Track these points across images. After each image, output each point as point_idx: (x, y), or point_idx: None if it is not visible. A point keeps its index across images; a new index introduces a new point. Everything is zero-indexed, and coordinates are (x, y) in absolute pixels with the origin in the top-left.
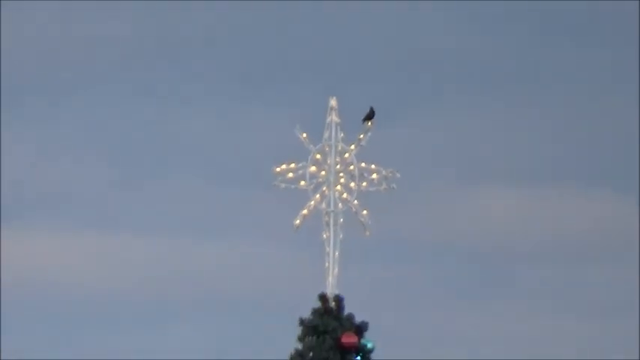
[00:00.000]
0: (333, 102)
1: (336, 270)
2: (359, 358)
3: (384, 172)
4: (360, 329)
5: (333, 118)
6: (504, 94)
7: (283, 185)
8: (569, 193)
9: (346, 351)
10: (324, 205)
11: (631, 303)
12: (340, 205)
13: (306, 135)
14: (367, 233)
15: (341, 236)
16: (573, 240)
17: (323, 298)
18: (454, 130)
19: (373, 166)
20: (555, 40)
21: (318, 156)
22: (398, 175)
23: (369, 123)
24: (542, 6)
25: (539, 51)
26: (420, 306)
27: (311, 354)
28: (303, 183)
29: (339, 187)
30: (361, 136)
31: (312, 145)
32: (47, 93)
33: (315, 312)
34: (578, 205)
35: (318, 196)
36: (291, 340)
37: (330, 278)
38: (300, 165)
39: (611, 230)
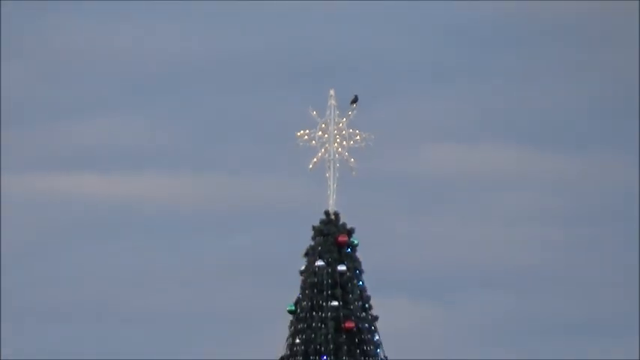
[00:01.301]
0: (332, 92)
1: (335, 196)
2: (349, 249)
3: (364, 135)
4: (350, 232)
5: (332, 102)
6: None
7: (302, 144)
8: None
9: (341, 246)
10: (327, 156)
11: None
12: (337, 155)
13: (316, 112)
14: (353, 173)
15: (337, 175)
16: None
17: (327, 212)
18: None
19: (357, 131)
20: None
21: (323, 125)
22: (373, 136)
23: (354, 105)
24: None
25: None
26: (390, 215)
27: (319, 248)
28: (313, 142)
29: (336, 144)
30: (349, 112)
31: (319, 119)
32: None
33: (321, 221)
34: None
35: (323, 150)
36: (307, 239)
37: (331, 201)
38: (312, 131)
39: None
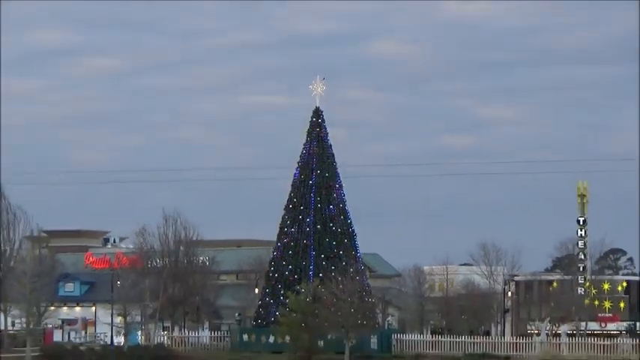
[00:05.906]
0: (319, 77)
1: (318, 102)
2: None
3: (324, 85)
4: (322, 112)
5: (318, 78)
6: None
7: (310, 86)
8: None
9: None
10: (317, 90)
11: None
12: (319, 91)
13: (314, 81)
14: (322, 95)
15: (319, 96)
16: None
17: (317, 107)
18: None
19: (323, 84)
20: None
21: (315, 82)
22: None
23: (324, 79)
24: None
25: None
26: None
27: (313, 116)
28: (314, 87)
29: (319, 88)
30: (323, 80)
31: (314, 80)
32: None
33: (314, 110)
34: None
35: (315, 89)
36: (310, 114)
37: (317, 103)
38: (313, 83)
39: None
